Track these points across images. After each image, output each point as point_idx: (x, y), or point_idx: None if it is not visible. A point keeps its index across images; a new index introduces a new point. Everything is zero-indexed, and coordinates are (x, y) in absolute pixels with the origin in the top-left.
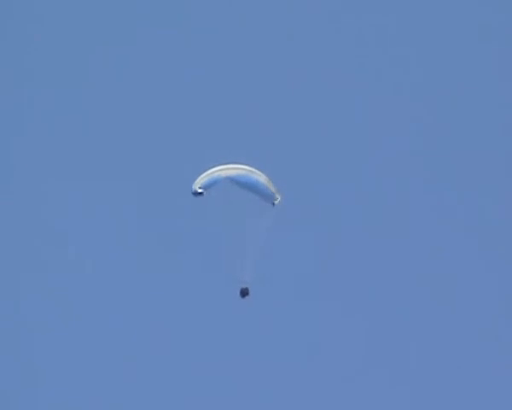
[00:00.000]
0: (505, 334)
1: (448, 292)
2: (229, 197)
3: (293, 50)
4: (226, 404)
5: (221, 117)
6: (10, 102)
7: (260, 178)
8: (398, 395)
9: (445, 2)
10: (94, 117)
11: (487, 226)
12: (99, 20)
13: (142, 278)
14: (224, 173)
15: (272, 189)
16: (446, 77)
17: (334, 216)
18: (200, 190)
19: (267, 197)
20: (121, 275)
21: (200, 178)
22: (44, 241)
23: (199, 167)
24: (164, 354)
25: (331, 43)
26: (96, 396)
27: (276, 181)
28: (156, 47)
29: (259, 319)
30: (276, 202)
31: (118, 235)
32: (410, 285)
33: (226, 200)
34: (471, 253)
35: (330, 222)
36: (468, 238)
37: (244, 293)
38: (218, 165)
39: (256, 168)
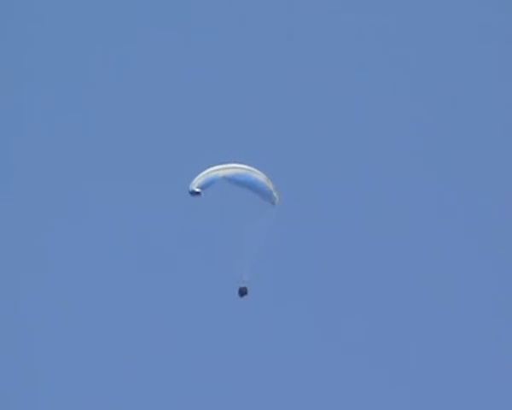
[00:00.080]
0: (505, 334)
1: (448, 292)
2: (228, 197)
3: (293, 50)
4: (225, 404)
5: (221, 117)
6: (10, 102)
7: (259, 176)
8: (397, 395)
9: (445, 3)
10: (94, 117)
11: (487, 226)
12: (99, 20)
13: (141, 277)
14: (221, 173)
15: (271, 187)
16: (446, 77)
17: (333, 216)
18: (197, 190)
19: (266, 196)
20: (120, 275)
21: (197, 177)
22: (44, 241)
23: (199, 167)
24: (163, 354)
25: (331, 43)
26: (95, 396)
27: (276, 181)
28: (156, 47)
29: (258, 318)
30: (275, 202)
31: (117, 235)
32: (409, 285)
33: (225, 199)
34: (471, 253)
35: (329, 221)
36: (468, 238)
37: (243, 292)
38: (217, 164)
39: (255, 168)
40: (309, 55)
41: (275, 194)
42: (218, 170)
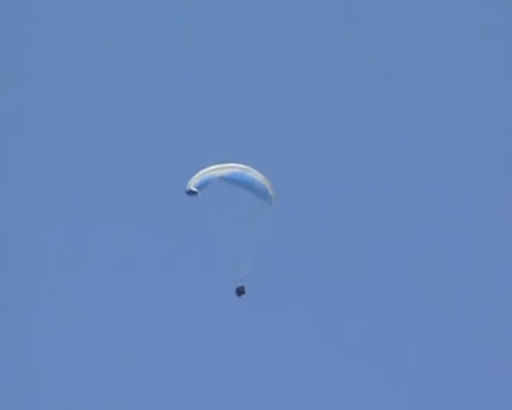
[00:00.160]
0: (505, 334)
1: (448, 291)
2: (226, 196)
3: (293, 50)
4: (224, 403)
5: (220, 117)
6: (10, 102)
7: (255, 176)
8: (397, 395)
9: (445, 3)
10: (93, 117)
11: (487, 226)
12: (99, 20)
13: (140, 277)
14: (218, 173)
15: (268, 187)
16: (446, 77)
17: (332, 215)
18: (194, 190)
19: (263, 195)
20: (119, 274)
21: (194, 177)
22: (44, 241)
23: (198, 167)
24: (162, 353)
25: (331, 43)
26: (95, 396)
27: (275, 180)
28: (156, 47)
29: (256, 317)
30: (272, 201)
31: (116, 234)
32: (408, 285)
33: (222, 199)
34: (471, 253)
35: (328, 221)
36: (468, 238)
37: (240, 292)
38: (215, 164)
39: (254, 167)
40: (308, 55)
41: (272, 193)
42: (214, 170)
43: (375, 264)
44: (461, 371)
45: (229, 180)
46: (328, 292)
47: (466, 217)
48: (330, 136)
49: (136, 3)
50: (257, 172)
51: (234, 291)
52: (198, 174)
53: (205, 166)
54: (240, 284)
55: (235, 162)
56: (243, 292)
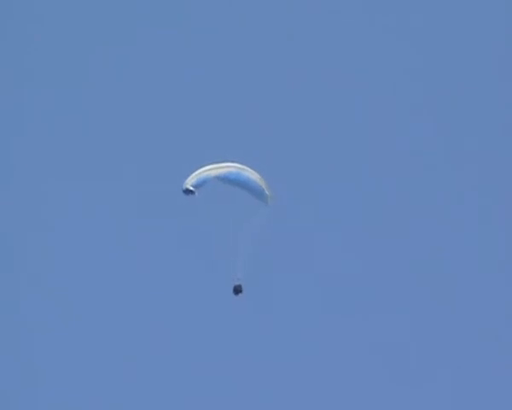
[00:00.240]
0: (505, 334)
1: (447, 291)
2: (222, 195)
3: (293, 50)
4: (221, 403)
5: (220, 117)
6: (10, 102)
7: (251, 175)
8: (396, 395)
9: (445, 3)
10: (93, 117)
11: (487, 226)
12: (99, 20)
13: (138, 276)
14: (214, 172)
15: (264, 186)
16: (446, 77)
17: (329, 214)
18: (191, 189)
19: (259, 195)
20: (118, 274)
21: (190, 177)
22: (44, 241)
23: (196, 166)
24: (161, 353)
25: (330, 43)
26: (95, 396)
27: (273, 180)
28: (156, 47)
29: (253, 316)
30: (268, 201)
31: (115, 234)
32: (407, 285)
33: (219, 198)
34: (471, 253)
35: (326, 220)
36: (468, 238)
37: (237, 290)
38: (214, 164)
39: (252, 167)
40: (308, 55)
41: (268, 193)
42: (211, 169)
43: (374, 264)
44: (461, 372)
45: (226, 180)
46: (326, 292)
47: (466, 217)
48: (329, 135)
49: (136, 3)
50: (253, 172)
51: (231, 290)
52: (195, 173)
53: (202, 166)
54: (237, 283)
55: (232, 162)
56: (240, 291)
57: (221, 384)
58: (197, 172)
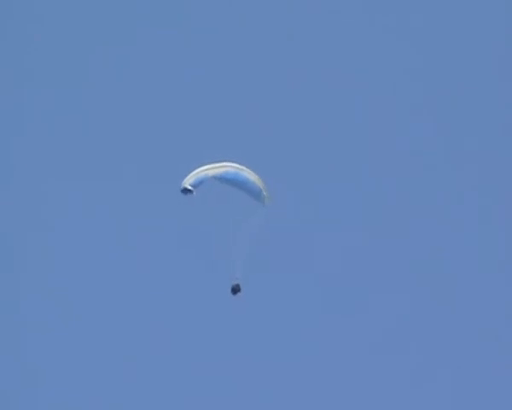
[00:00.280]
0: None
1: (448, 292)
2: (220, 195)
3: (293, 50)
4: (218, 402)
5: (220, 117)
6: (10, 102)
7: (249, 176)
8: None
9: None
10: (93, 117)
11: (488, 226)
12: (99, 20)
13: (135, 276)
14: (212, 172)
15: (261, 186)
16: (446, 77)
17: (326, 213)
18: (189, 188)
19: (256, 196)
20: (117, 274)
21: (188, 176)
22: (44, 241)
23: (195, 166)
24: (159, 352)
25: (330, 43)
26: (95, 396)
27: (274, 179)
28: (156, 47)
29: (252, 316)
30: (265, 201)
31: (114, 234)
32: (406, 285)
33: (217, 198)
34: (471, 253)
35: (324, 219)
36: (468, 237)
37: (235, 290)
38: (212, 163)
39: (252, 167)
40: (308, 55)
41: (265, 193)
42: (208, 169)
43: (374, 263)
44: (461, 372)
45: (223, 179)
46: (325, 291)
47: (466, 216)
48: (327, 135)
49: (136, 3)
50: (251, 172)
51: (229, 290)
52: (193, 173)
53: (201, 166)
54: (235, 283)
55: (231, 162)
56: (239, 290)
57: (219, 383)
58: (195, 172)
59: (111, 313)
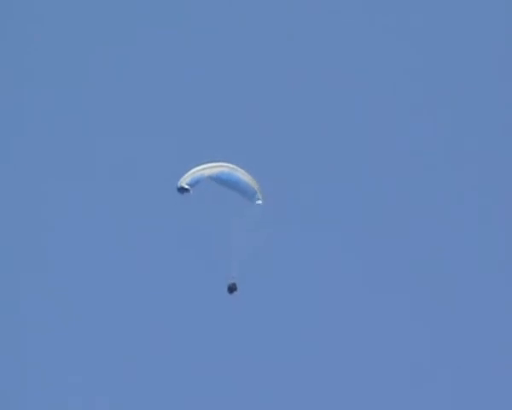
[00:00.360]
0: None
1: (448, 292)
2: (218, 194)
3: (293, 50)
4: (215, 401)
5: (219, 117)
6: (10, 102)
7: (243, 177)
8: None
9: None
10: (93, 117)
11: (488, 226)
12: (99, 20)
13: (136, 276)
14: (208, 172)
15: (255, 188)
16: (445, 76)
17: (327, 214)
18: (186, 187)
19: (250, 196)
20: (116, 274)
21: (185, 175)
22: (44, 241)
23: (192, 166)
24: (158, 351)
25: (330, 43)
26: (94, 395)
27: (273, 178)
28: (156, 47)
29: (248, 315)
30: (258, 201)
31: (114, 234)
32: (406, 284)
33: (214, 197)
34: (471, 253)
35: (321, 219)
36: (468, 237)
37: (232, 289)
38: (206, 163)
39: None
40: (307, 55)
41: (259, 194)
42: (204, 169)
43: (371, 264)
44: (461, 372)
45: (218, 180)
46: (324, 291)
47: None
48: (326, 136)
49: (136, 3)
50: (245, 173)
51: (226, 289)
52: (189, 172)
53: (198, 165)
54: (231, 282)
55: (230, 161)
56: (235, 289)
57: (216, 382)
58: (191, 172)
59: (110, 313)
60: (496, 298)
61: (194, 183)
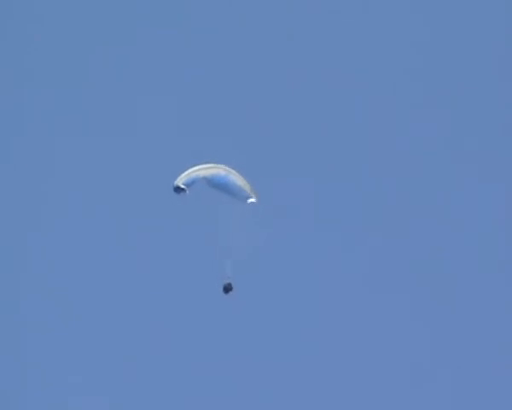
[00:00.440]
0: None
1: (448, 292)
2: (214, 195)
3: (291, 50)
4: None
5: (219, 117)
6: (10, 102)
7: (238, 181)
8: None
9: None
10: (93, 117)
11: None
12: (99, 20)
13: (134, 276)
14: (202, 173)
15: (249, 192)
16: (445, 76)
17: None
18: (182, 186)
19: (243, 199)
20: (115, 273)
21: (181, 175)
22: (44, 241)
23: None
24: (157, 351)
25: (330, 43)
26: (94, 395)
27: (272, 178)
28: (156, 47)
29: (243, 315)
30: (251, 200)
31: (113, 234)
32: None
33: (211, 197)
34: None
35: (319, 219)
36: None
37: (227, 289)
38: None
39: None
40: (307, 55)
41: (252, 195)
42: (199, 170)
43: (371, 264)
44: (461, 372)
45: (213, 182)
46: (323, 290)
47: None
48: (326, 135)
49: (136, 3)
50: (239, 177)
51: (221, 289)
52: (185, 173)
53: (194, 165)
54: (227, 282)
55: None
56: (231, 289)
57: (214, 381)
58: (188, 172)
59: (110, 313)
60: (496, 298)
61: (190, 183)
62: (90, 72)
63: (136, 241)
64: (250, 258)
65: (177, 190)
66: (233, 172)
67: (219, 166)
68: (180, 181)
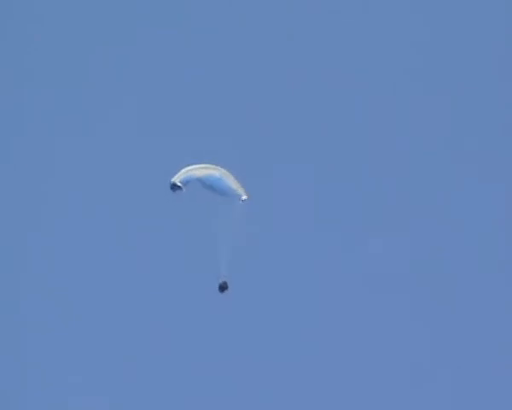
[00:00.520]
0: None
1: (449, 292)
2: (209, 193)
3: (291, 50)
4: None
5: (218, 118)
6: (10, 102)
7: (232, 184)
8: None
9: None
10: (93, 117)
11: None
12: (99, 20)
13: (133, 276)
14: (198, 173)
15: (240, 190)
16: (445, 76)
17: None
18: (179, 184)
19: (234, 198)
20: (115, 273)
21: (178, 174)
22: (44, 240)
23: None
24: (156, 351)
25: (329, 42)
26: (94, 395)
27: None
28: (156, 47)
29: (239, 313)
30: (244, 198)
31: (113, 234)
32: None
33: (207, 196)
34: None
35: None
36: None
37: (223, 288)
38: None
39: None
40: (306, 55)
41: (243, 196)
42: (195, 169)
43: (371, 264)
44: (461, 372)
45: (206, 183)
46: (322, 290)
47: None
48: (326, 135)
49: (136, 3)
50: (233, 180)
51: (217, 288)
52: (182, 171)
53: (191, 164)
54: (222, 280)
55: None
56: (226, 288)
57: (212, 381)
58: (184, 170)
59: (110, 313)
60: (496, 298)
61: (187, 182)
62: (90, 72)
63: (135, 240)
64: (245, 257)
65: (174, 187)
66: (227, 173)
67: (214, 166)
68: (177, 179)
